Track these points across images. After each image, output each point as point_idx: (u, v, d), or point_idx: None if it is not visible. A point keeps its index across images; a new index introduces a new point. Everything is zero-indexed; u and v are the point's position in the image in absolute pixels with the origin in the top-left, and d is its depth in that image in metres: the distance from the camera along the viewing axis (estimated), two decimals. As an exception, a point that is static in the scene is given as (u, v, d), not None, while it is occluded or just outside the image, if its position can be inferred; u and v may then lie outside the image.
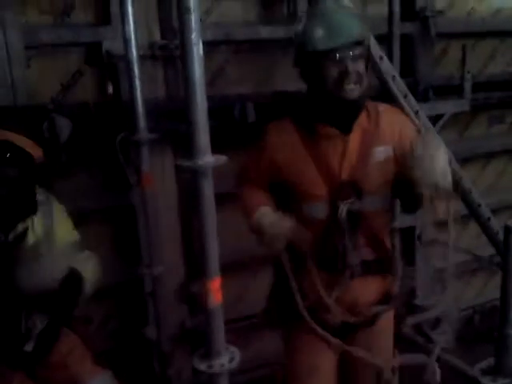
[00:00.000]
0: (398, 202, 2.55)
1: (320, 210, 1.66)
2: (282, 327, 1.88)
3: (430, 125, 2.17)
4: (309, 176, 1.65)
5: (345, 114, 1.62)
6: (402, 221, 3.12)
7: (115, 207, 2.54)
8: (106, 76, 2.38)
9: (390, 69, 1.90)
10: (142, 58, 2.24)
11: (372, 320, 1.78)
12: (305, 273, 1.71)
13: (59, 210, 1.89)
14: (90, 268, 1.85)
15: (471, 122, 3.45)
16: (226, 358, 1.35)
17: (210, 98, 1.22)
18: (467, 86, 2.76)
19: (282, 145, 1.68)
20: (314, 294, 1.70)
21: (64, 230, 1.88)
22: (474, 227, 3.11)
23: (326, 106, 1.62)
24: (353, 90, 1.56)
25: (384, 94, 2.14)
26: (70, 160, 2.27)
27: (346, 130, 1.63)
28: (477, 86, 2.98)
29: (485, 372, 1.61)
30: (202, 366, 1.35)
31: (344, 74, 1.54)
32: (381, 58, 1.82)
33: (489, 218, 2.39)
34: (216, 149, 1.26)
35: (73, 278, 1.75)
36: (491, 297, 3.62)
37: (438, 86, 3.02)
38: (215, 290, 1.35)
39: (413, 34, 2.95)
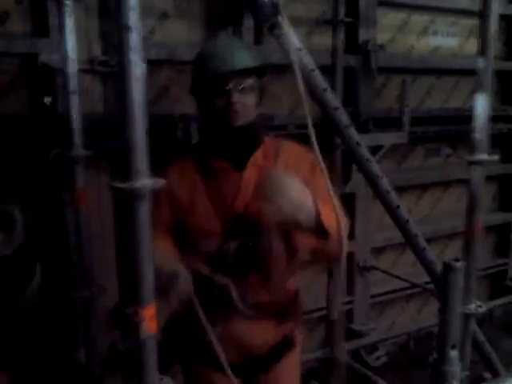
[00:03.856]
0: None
1: (214, 247, 1.62)
2: (180, 362, 1.84)
3: (369, 155, 2.21)
4: (203, 212, 1.62)
5: (234, 144, 1.60)
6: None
7: (45, 226, 2.40)
8: (42, 89, 2.27)
9: (333, 100, 1.93)
10: (80, 72, 2.16)
11: (268, 363, 1.75)
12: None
13: None
14: None
15: (409, 153, 3.57)
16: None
17: (152, 117, 1.17)
18: (406, 119, 2.85)
19: (180, 180, 1.65)
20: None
21: None
22: (409, 255, 3.20)
23: (215, 136, 1.61)
24: (236, 117, 1.55)
25: (327, 124, 2.17)
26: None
27: (240, 164, 1.62)
28: (414, 120, 3.09)
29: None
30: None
31: (228, 103, 1.54)
32: (324, 89, 1.84)
33: (424, 248, 2.44)
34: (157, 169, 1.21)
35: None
36: (426, 323, 3.72)
37: (378, 118, 3.11)
38: (149, 318, 1.29)
39: (355, 66, 3.03)
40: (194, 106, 2.60)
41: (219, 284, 1.63)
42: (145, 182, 1.20)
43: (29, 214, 2.35)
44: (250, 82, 1.56)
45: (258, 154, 1.64)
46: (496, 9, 1.78)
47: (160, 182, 1.23)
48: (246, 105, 1.56)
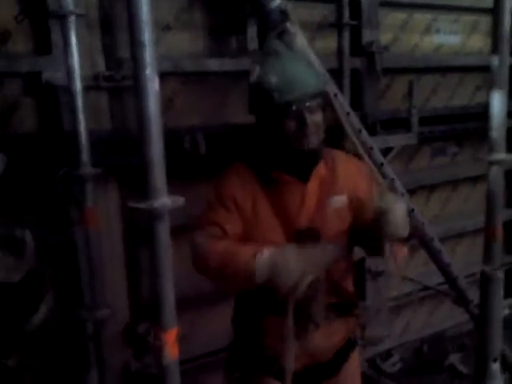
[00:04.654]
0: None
1: None
2: (244, 377, 1.79)
3: (382, 159, 2.18)
4: (267, 222, 1.61)
5: (303, 164, 1.60)
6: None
7: (53, 246, 2.36)
8: (47, 107, 2.23)
9: (344, 105, 1.89)
10: (85, 89, 2.12)
11: (336, 367, 1.73)
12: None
13: None
14: None
15: (415, 154, 3.53)
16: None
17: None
18: (414, 120, 2.82)
19: (243, 189, 1.62)
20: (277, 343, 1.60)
21: None
22: (420, 256, 3.16)
23: (284, 157, 1.59)
24: (312, 141, 1.54)
25: (337, 129, 2.13)
26: (5, 196, 2.11)
27: (304, 177, 1.62)
28: (420, 120, 3.05)
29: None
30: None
31: (302, 127, 1.52)
32: (335, 95, 1.81)
33: (440, 251, 2.40)
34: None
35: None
36: (439, 326, 3.67)
37: (384, 120, 3.07)
38: (171, 343, 1.24)
39: (360, 68, 2.99)
40: (199, 117, 2.64)
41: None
42: (164, 201, 1.16)
43: (39, 233, 2.33)
44: (317, 101, 1.55)
45: (320, 166, 1.65)
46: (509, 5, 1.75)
47: (179, 201, 1.19)
48: (316, 125, 1.55)
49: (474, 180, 3.67)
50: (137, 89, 1.13)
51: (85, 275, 2.32)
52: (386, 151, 2.92)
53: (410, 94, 2.82)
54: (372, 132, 2.93)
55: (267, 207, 1.61)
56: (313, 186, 1.63)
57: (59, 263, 2.39)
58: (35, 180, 2.20)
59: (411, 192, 3.36)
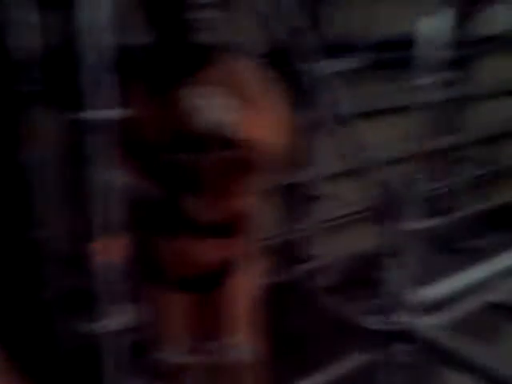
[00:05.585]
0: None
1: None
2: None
3: (331, 82, 2.18)
4: (155, 125, 1.58)
5: (191, 60, 1.57)
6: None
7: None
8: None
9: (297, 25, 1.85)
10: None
11: (213, 282, 1.79)
12: None
13: None
14: None
15: (365, 80, 3.52)
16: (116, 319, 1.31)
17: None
18: (364, 44, 2.77)
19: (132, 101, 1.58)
20: None
21: None
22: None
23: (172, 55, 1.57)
24: (201, 36, 1.51)
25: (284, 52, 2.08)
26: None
27: (189, 74, 1.58)
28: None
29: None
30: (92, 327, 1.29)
31: (186, 23, 1.49)
32: (289, 12, 1.75)
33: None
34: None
35: None
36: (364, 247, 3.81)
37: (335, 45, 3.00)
38: (103, 251, 1.27)
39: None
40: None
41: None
42: (101, 112, 1.16)
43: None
44: None
45: (209, 69, 1.60)
46: None
47: (116, 113, 1.20)
48: (207, 21, 1.51)
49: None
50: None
51: (32, 195, 2.30)
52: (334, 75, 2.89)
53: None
54: (323, 56, 2.89)
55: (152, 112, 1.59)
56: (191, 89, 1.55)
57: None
58: None
59: (359, 116, 3.39)
